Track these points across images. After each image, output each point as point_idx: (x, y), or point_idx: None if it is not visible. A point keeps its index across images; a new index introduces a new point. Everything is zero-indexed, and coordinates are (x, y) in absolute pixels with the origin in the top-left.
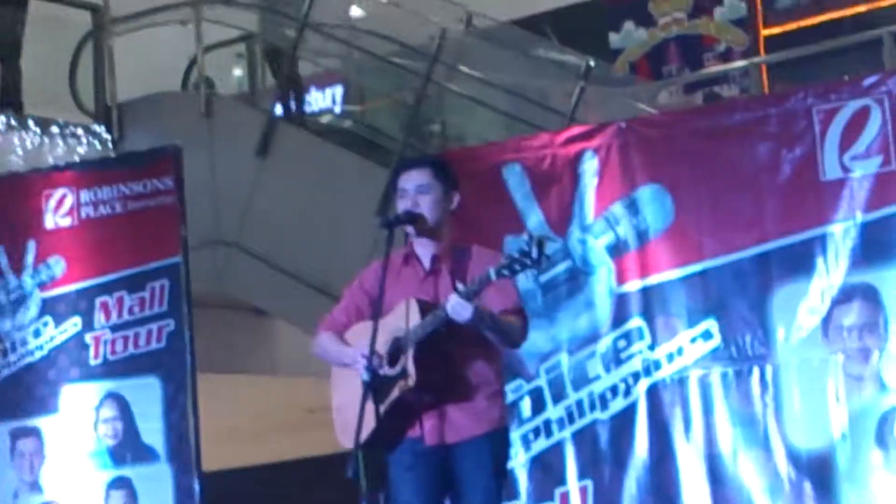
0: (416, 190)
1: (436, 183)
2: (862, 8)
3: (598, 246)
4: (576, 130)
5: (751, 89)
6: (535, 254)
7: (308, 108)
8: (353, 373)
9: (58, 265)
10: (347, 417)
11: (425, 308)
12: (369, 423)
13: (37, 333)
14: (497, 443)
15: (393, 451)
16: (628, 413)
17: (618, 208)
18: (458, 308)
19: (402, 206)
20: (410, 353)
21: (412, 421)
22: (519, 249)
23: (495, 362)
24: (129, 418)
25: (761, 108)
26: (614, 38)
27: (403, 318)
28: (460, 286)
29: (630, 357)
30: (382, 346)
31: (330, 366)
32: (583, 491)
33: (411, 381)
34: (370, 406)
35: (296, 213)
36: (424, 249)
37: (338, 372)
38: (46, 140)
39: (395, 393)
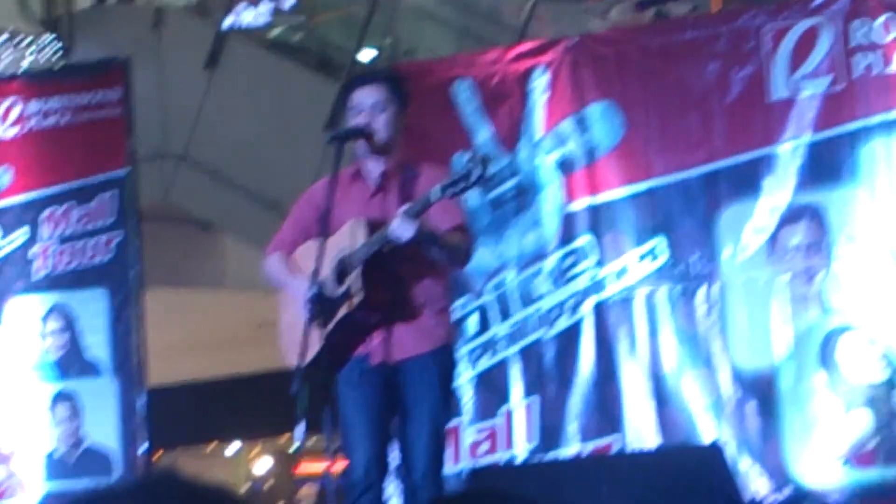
0: (373, 107)
1: (393, 99)
2: None
3: (547, 162)
4: (526, 46)
5: (702, 8)
6: (478, 172)
7: (259, 21)
8: (301, 290)
9: (4, 175)
10: (295, 336)
11: (372, 227)
12: (316, 343)
13: None
14: (443, 359)
15: (339, 370)
16: (574, 331)
17: (567, 124)
18: (400, 228)
19: (356, 121)
20: (357, 271)
21: (359, 340)
22: (463, 168)
23: (442, 279)
24: (75, 331)
25: (711, 26)
26: None
27: (350, 238)
28: (405, 206)
29: (577, 275)
30: (329, 266)
31: None
32: (527, 408)
33: (357, 299)
34: (318, 326)
35: (245, 127)
36: (374, 166)
37: (285, 292)
38: None
39: (341, 312)
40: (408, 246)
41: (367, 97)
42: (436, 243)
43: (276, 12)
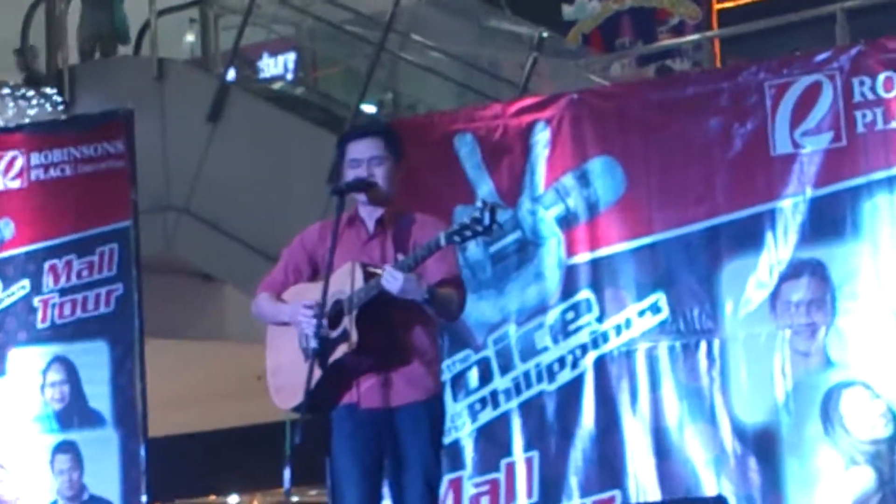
0: (370, 161)
1: (388, 153)
2: None
3: (548, 217)
4: (528, 101)
5: (703, 63)
6: (487, 220)
7: (261, 75)
8: (290, 334)
9: (7, 228)
10: (283, 380)
11: (368, 272)
12: (308, 386)
13: None
14: (433, 410)
15: (328, 414)
16: (575, 385)
17: (569, 180)
18: (389, 279)
19: (353, 174)
20: (353, 316)
21: (349, 384)
22: (471, 216)
23: (432, 329)
24: (76, 382)
25: (713, 81)
26: (567, 10)
27: (346, 281)
28: (399, 256)
29: (578, 329)
30: (326, 307)
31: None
32: (528, 462)
33: (353, 344)
34: (306, 369)
35: (246, 180)
36: (369, 214)
37: (273, 334)
38: None
39: (335, 354)
40: (400, 295)
41: (364, 151)
42: (427, 297)
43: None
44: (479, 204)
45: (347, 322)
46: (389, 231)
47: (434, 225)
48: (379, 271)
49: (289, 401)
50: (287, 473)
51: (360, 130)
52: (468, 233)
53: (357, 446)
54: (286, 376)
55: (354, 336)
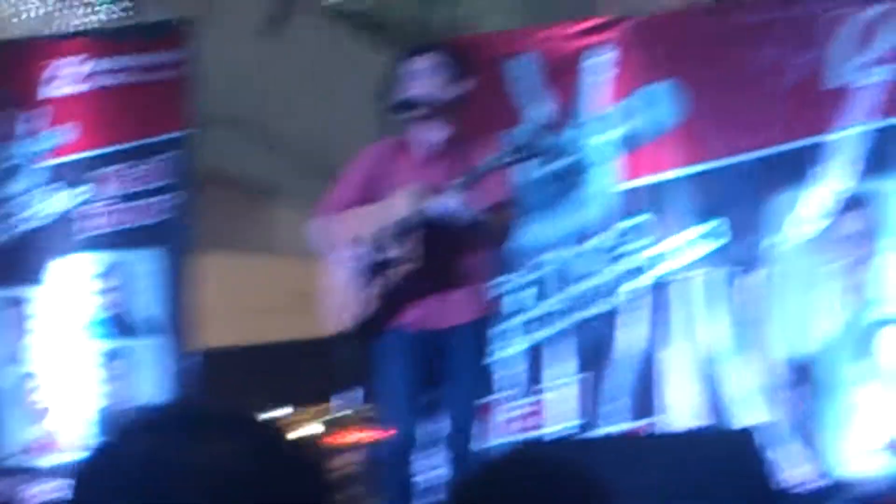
0: (423, 72)
1: (443, 68)
2: None
3: (605, 140)
4: (589, 23)
5: None
6: (535, 144)
7: None
8: (348, 254)
9: (66, 133)
10: (339, 299)
11: (425, 194)
12: (363, 307)
13: (41, 200)
14: (483, 330)
15: (380, 337)
16: (628, 309)
17: (629, 103)
18: (447, 201)
19: (409, 88)
20: (411, 238)
21: (403, 305)
22: (521, 139)
23: (484, 252)
24: (130, 290)
25: (771, 11)
26: None
27: (404, 204)
28: (453, 181)
29: (633, 252)
30: (383, 230)
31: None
32: (581, 383)
33: (411, 265)
34: (362, 290)
35: (301, 94)
36: (426, 135)
37: (331, 256)
38: (59, 6)
39: (394, 276)
40: (455, 218)
41: (420, 63)
42: (478, 222)
43: None
44: (528, 127)
45: (406, 243)
46: (447, 153)
47: (492, 149)
48: (435, 195)
49: (345, 321)
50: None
51: (422, 45)
52: (518, 156)
53: (407, 365)
54: (343, 296)
55: (413, 256)
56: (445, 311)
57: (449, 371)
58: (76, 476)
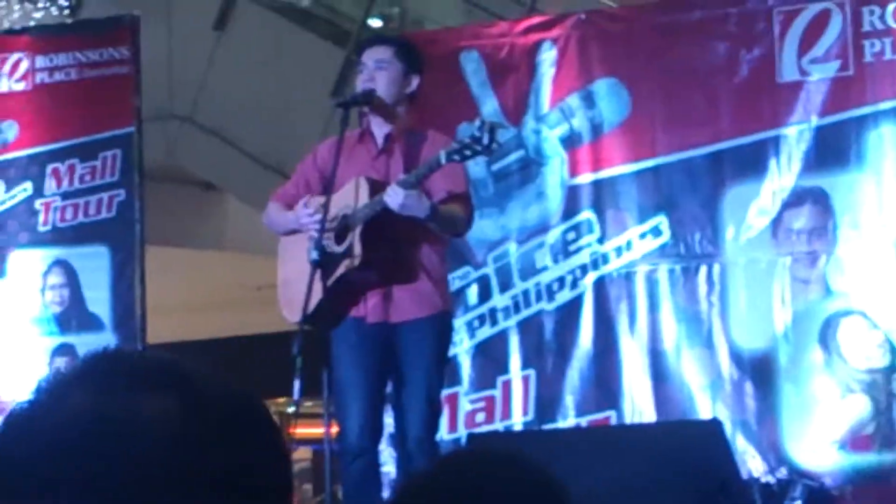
0: (375, 65)
1: (395, 60)
2: None
3: (552, 136)
4: (535, 20)
5: None
6: (486, 139)
7: None
8: (300, 247)
9: (10, 129)
10: (292, 292)
11: (375, 187)
12: (314, 299)
13: None
14: (440, 326)
15: (335, 328)
16: (574, 305)
17: (574, 100)
18: (391, 194)
19: (360, 81)
20: (357, 231)
21: (356, 299)
22: (471, 135)
23: (440, 247)
24: (76, 286)
25: (721, 6)
26: None
27: (352, 196)
28: (402, 175)
29: (579, 249)
30: (330, 223)
31: (278, 243)
32: (525, 380)
33: (357, 259)
34: (317, 282)
35: (251, 90)
36: (379, 129)
37: (285, 246)
38: (2, 3)
39: (340, 270)
40: (407, 211)
41: (372, 56)
42: (431, 215)
43: None
44: (478, 123)
45: (352, 237)
46: (399, 147)
47: (444, 143)
48: (385, 188)
49: (297, 314)
50: (296, 384)
51: (374, 38)
52: (468, 151)
53: (362, 358)
54: (294, 289)
55: (358, 251)
56: (398, 305)
57: (404, 366)
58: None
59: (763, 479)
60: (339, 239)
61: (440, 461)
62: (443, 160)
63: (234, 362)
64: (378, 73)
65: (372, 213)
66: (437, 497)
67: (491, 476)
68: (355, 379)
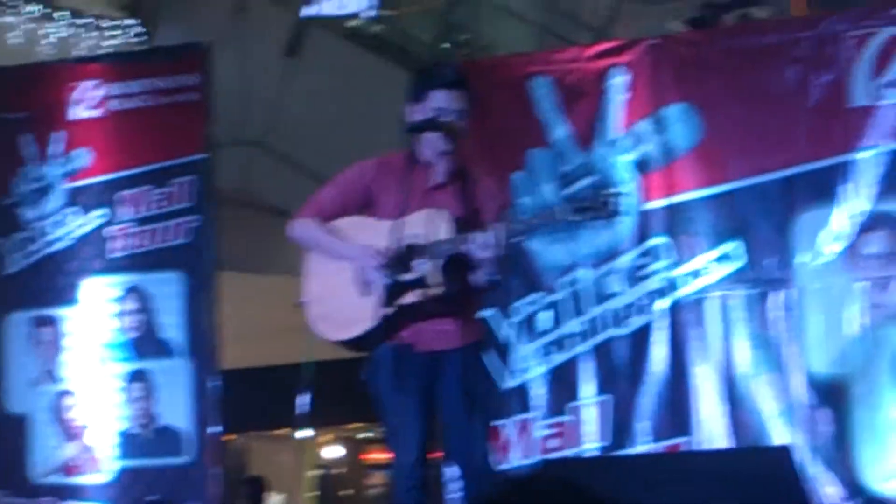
0: (457, 114)
1: (462, 89)
2: None
3: (623, 162)
4: (606, 45)
5: (784, 12)
6: (612, 207)
7: (341, 11)
8: (333, 263)
9: (85, 156)
10: (329, 308)
11: (457, 224)
12: (364, 322)
13: (61, 224)
14: (476, 355)
15: (376, 351)
16: (647, 330)
17: (645, 125)
18: (482, 245)
19: (426, 109)
20: (437, 263)
21: (405, 325)
22: (597, 198)
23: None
24: (150, 312)
25: (792, 31)
26: None
27: (423, 225)
28: (498, 225)
29: (651, 275)
30: (392, 245)
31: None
32: (599, 406)
33: (435, 291)
34: (370, 304)
35: (322, 115)
36: (441, 160)
37: (316, 260)
38: (78, 32)
39: (407, 298)
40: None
41: (452, 102)
42: (493, 282)
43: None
44: (611, 191)
45: (425, 268)
46: (457, 185)
47: (497, 195)
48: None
49: (334, 332)
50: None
51: (446, 79)
52: (589, 214)
53: (413, 385)
54: (331, 306)
55: (438, 283)
56: (448, 334)
57: (445, 393)
58: None
59: None
60: (404, 264)
61: (512, 486)
62: (558, 217)
63: (306, 388)
64: (458, 122)
65: (455, 252)
66: None
67: (563, 502)
68: (408, 406)
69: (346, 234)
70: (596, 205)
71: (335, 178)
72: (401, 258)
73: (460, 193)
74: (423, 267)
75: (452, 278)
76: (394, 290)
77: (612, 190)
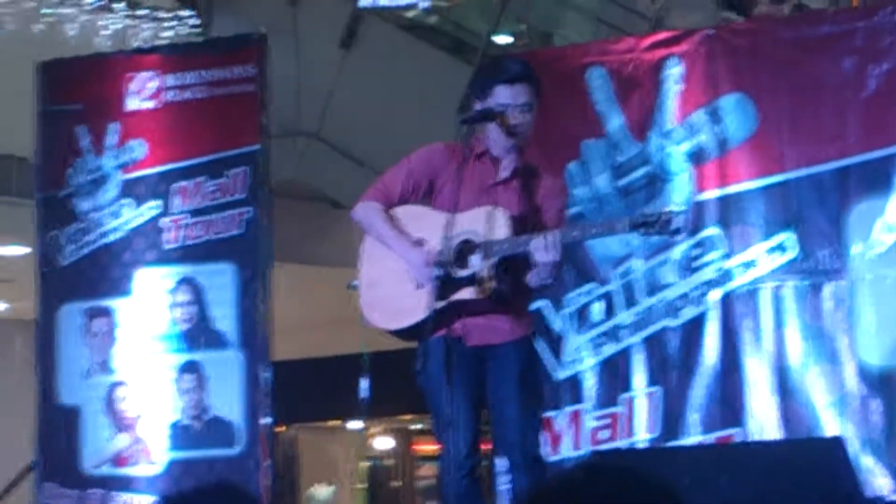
0: (522, 108)
1: (535, 99)
2: None
3: (678, 152)
4: (661, 35)
5: (840, 2)
6: (675, 225)
7: (398, 2)
8: (416, 253)
9: (140, 147)
10: (380, 296)
11: (514, 224)
12: (415, 313)
13: (115, 215)
14: (527, 348)
15: (427, 343)
16: (699, 321)
17: (700, 115)
18: (543, 250)
19: (486, 100)
20: (492, 261)
21: (455, 319)
22: (664, 215)
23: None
24: (203, 303)
25: (848, 21)
26: None
27: (481, 223)
28: (559, 232)
29: (704, 265)
30: (446, 241)
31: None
32: (650, 397)
33: (488, 290)
34: (423, 296)
35: (377, 107)
36: (505, 156)
37: (374, 245)
38: (134, 23)
39: (462, 294)
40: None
41: (516, 97)
42: (546, 284)
43: None
44: (679, 210)
45: (481, 266)
46: (518, 183)
47: (558, 194)
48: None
49: (383, 321)
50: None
51: (512, 74)
52: (652, 230)
53: (463, 378)
54: (384, 293)
55: (492, 282)
56: (497, 329)
57: (498, 387)
58: None
59: (890, 498)
60: (460, 260)
61: (563, 477)
62: (624, 229)
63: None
64: (523, 115)
65: (512, 252)
66: None
67: (614, 493)
68: (458, 398)
69: (403, 223)
70: (658, 221)
71: (403, 162)
72: (456, 254)
73: (522, 191)
74: (477, 264)
75: (506, 278)
76: (447, 285)
77: (675, 207)
